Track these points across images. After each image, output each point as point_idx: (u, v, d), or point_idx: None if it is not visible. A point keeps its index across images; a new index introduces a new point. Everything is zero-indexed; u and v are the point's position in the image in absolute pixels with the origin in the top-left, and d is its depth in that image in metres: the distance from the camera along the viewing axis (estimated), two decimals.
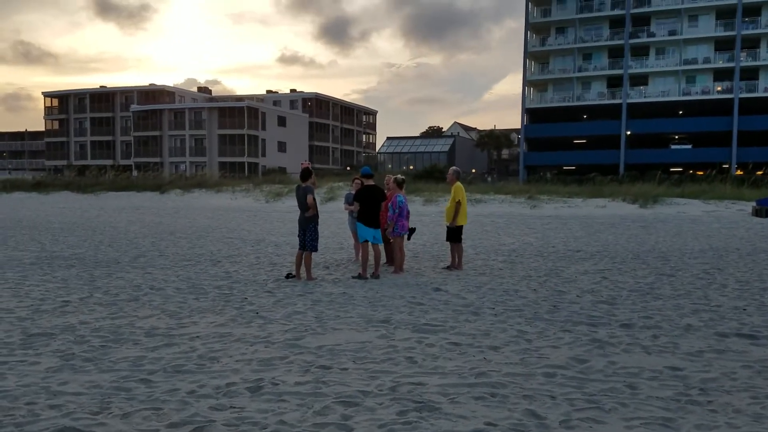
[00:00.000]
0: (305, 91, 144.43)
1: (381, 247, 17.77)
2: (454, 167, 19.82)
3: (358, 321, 12.08)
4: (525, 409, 7.56)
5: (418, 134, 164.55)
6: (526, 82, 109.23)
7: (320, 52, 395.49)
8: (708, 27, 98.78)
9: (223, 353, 9.89)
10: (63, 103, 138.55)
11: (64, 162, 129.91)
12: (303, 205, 16.69)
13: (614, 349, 10.19)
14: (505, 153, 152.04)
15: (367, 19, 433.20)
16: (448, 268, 18.89)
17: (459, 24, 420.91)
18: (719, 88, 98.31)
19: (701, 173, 72.71)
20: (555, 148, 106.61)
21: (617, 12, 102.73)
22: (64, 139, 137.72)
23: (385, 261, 19.02)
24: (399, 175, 18.84)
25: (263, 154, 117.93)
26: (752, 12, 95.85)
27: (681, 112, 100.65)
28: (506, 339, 10.78)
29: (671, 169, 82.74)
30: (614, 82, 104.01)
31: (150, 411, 7.51)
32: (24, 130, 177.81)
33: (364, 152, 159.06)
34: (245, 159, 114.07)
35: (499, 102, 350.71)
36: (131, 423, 7.18)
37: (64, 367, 9.19)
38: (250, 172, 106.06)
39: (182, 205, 54.02)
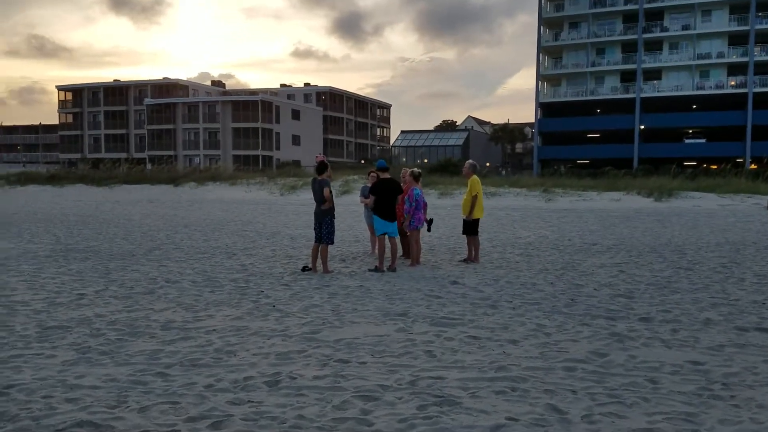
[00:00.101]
0: (319, 84, 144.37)
1: (397, 239, 17.70)
2: (470, 161, 19.78)
3: (376, 314, 12.00)
4: (546, 404, 7.47)
5: (432, 128, 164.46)
6: (540, 77, 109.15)
7: (334, 46, 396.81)
8: (721, 22, 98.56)
9: (240, 347, 9.82)
10: (77, 96, 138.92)
11: (78, 155, 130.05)
12: (320, 198, 16.63)
13: (634, 343, 10.09)
14: (518, 147, 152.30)
15: (380, 13, 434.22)
16: (464, 260, 18.83)
17: (472, 18, 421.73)
18: (733, 83, 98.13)
19: (715, 167, 72.50)
20: (569, 142, 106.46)
21: (630, 7, 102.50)
22: (78, 132, 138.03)
23: (401, 254, 18.96)
24: (416, 169, 18.80)
25: (277, 148, 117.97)
26: (766, 7, 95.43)
27: (695, 107, 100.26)
28: (525, 333, 10.70)
29: (685, 163, 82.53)
30: (628, 77, 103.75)
31: (167, 405, 7.44)
32: (38, 123, 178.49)
33: (378, 146, 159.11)
34: (259, 152, 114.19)
35: (512, 96, 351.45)
36: (149, 417, 7.11)
37: (80, 361, 9.13)
38: (265, 166, 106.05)
39: (196, 198, 54.04)
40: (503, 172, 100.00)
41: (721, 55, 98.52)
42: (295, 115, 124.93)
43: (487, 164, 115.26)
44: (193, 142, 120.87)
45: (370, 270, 17.15)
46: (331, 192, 16.76)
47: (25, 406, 7.39)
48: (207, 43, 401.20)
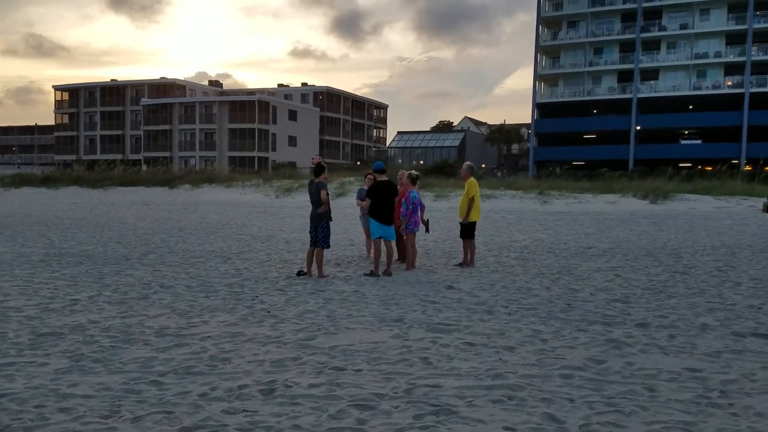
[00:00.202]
0: (317, 84, 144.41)
1: (393, 243, 17.65)
2: (467, 163, 19.72)
3: (371, 320, 11.95)
4: (544, 413, 7.43)
5: (428, 129, 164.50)
6: (537, 77, 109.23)
7: (332, 45, 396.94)
8: (720, 21, 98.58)
9: (234, 354, 9.76)
10: (73, 96, 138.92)
11: (74, 156, 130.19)
12: (315, 201, 16.56)
13: (631, 350, 10.06)
14: (515, 148, 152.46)
15: (379, 12, 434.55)
16: (460, 265, 18.79)
17: (471, 18, 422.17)
18: (730, 83, 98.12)
19: (710, 169, 72.60)
20: (565, 143, 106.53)
21: (629, 6, 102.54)
22: (73, 133, 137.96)
23: (396, 258, 18.90)
24: (413, 171, 18.70)
25: (273, 149, 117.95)
26: (764, 6, 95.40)
27: (691, 107, 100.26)
28: (521, 339, 10.65)
29: (680, 165, 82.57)
30: (625, 77, 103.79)
31: (161, 414, 7.37)
32: (34, 124, 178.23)
33: (374, 147, 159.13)
34: (255, 153, 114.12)
35: (509, 96, 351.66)
36: (142, 427, 7.05)
37: (73, 369, 9.06)
38: (260, 167, 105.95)
39: (192, 201, 53.98)
40: (499, 174, 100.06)
41: (718, 54, 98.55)
42: (292, 115, 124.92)
43: (483, 165, 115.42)
44: (189, 143, 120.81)
45: (365, 274, 17.08)
46: (327, 195, 16.70)
47: (17, 416, 7.32)
48: (205, 42, 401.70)
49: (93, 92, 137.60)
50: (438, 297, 14.20)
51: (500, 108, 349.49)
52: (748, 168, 79.26)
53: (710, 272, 17.87)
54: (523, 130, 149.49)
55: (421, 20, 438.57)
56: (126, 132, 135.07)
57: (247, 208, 45.82)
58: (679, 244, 24.55)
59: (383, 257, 17.40)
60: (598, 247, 23.63)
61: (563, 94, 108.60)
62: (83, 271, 17.78)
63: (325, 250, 17.03)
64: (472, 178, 18.75)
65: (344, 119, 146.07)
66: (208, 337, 10.72)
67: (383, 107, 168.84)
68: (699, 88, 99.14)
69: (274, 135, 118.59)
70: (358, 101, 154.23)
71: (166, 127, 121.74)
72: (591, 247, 23.62)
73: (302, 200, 47.07)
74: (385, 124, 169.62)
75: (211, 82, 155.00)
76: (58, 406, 7.64)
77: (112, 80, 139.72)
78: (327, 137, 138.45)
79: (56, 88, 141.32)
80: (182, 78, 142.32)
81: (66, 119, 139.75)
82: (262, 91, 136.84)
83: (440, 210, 40.61)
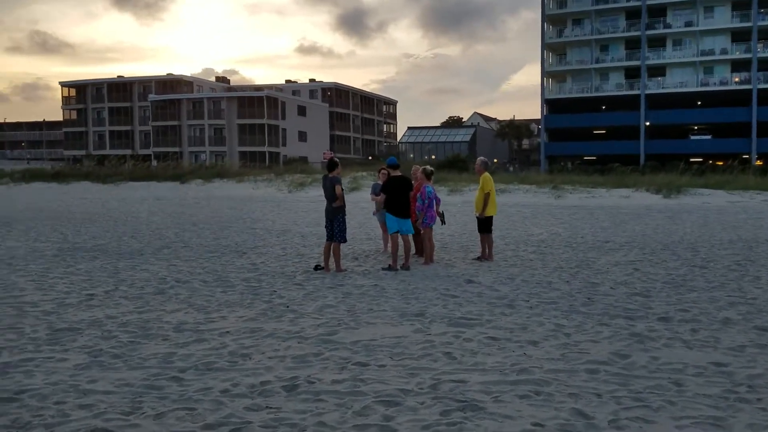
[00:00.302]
0: (324, 81, 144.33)
1: (410, 237, 17.56)
2: (481, 158, 19.68)
3: (392, 314, 11.87)
4: (571, 408, 7.33)
5: (437, 124, 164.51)
6: (545, 73, 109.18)
7: (338, 42, 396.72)
8: (724, 18, 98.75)
9: (255, 349, 9.67)
10: (80, 93, 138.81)
11: (83, 152, 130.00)
12: (331, 196, 16.48)
13: (655, 344, 9.97)
14: (525, 143, 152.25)
15: (385, 9, 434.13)
16: (478, 258, 18.72)
17: (476, 15, 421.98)
18: (737, 79, 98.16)
19: (721, 163, 72.36)
20: (575, 139, 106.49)
21: (633, 3, 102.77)
22: (82, 129, 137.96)
23: (414, 252, 18.79)
24: (428, 166, 18.61)
25: (284, 144, 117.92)
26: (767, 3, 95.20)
27: (699, 103, 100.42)
28: (544, 333, 10.56)
29: (691, 160, 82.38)
30: (632, 73, 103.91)
31: (184, 411, 7.29)
32: (42, 120, 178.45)
33: (385, 142, 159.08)
34: (266, 149, 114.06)
35: (517, 92, 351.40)
36: (165, 424, 6.96)
37: (92, 364, 8.99)
38: (271, 162, 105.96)
39: (203, 195, 53.92)
40: (511, 169, 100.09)
41: (724, 51, 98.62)
42: (301, 111, 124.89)
43: (495, 160, 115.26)
44: (198, 139, 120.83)
45: (383, 269, 17.01)
46: (342, 189, 16.62)
47: (38, 412, 7.25)
48: (211, 39, 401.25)
49: (100, 88, 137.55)
50: (458, 291, 14.12)
51: (508, 104, 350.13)
52: (759, 163, 79.11)
53: (729, 266, 17.72)
54: (533, 126, 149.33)
55: (426, 17, 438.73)
56: (135, 128, 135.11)
57: (260, 202, 45.77)
58: (695, 238, 24.40)
59: (401, 251, 17.30)
60: (615, 240, 23.51)
61: (571, 90, 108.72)
62: (98, 265, 17.75)
63: (342, 244, 16.94)
64: (487, 173, 18.66)
65: (354, 115, 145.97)
66: (227, 332, 10.65)
67: (392, 103, 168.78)
68: (706, 84, 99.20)
69: (284, 130, 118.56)
70: (366, 97, 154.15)
71: (175, 122, 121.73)
72: (608, 241, 23.50)
73: (315, 194, 46.89)
74: (395, 120, 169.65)
75: (218, 78, 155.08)
76: (78, 402, 7.56)
77: (118, 77, 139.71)
78: (337, 132, 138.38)
79: (63, 84, 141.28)
80: (189, 74, 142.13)
81: (74, 115, 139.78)
82: (270, 87, 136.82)
83: (455, 204, 40.48)
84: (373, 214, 21.59)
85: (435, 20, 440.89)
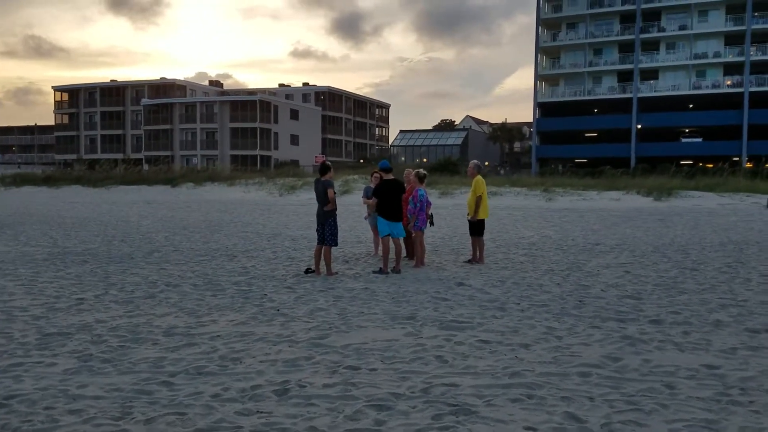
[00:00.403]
0: (318, 84, 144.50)
1: (401, 240, 17.55)
2: (474, 161, 19.67)
3: (383, 318, 11.84)
4: (564, 412, 7.31)
5: (430, 127, 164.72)
6: (538, 77, 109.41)
7: (333, 46, 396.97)
8: (718, 22, 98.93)
9: (245, 353, 9.63)
10: (73, 97, 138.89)
11: (74, 156, 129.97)
12: (323, 199, 16.45)
13: (647, 347, 9.97)
14: (516, 146, 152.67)
15: (379, 13, 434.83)
16: (469, 261, 18.74)
17: (471, 19, 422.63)
18: (729, 82, 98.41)
19: (711, 166, 72.55)
20: (566, 142, 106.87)
21: (628, 7, 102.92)
22: (74, 133, 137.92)
23: (405, 255, 18.77)
24: (421, 170, 18.59)
25: (276, 148, 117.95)
26: (762, 7, 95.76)
27: (691, 106, 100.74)
28: (536, 336, 10.55)
29: (682, 162, 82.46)
30: (625, 77, 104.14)
31: (174, 416, 7.24)
32: (34, 124, 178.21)
33: (377, 145, 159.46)
34: (257, 152, 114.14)
35: (509, 96, 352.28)
36: (155, 429, 6.92)
37: (82, 369, 8.94)
38: (263, 165, 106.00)
39: (194, 199, 53.87)
40: (502, 171, 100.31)
41: (717, 54, 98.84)
42: (294, 114, 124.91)
43: (486, 163, 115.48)
44: (190, 143, 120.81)
45: (374, 272, 17.00)
46: (335, 193, 16.60)
47: (27, 418, 7.20)
48: (205, 43, 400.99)
49: (93, 93, 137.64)
50: (449, 294, 14.11)
51: (501, 107, 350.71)
52: (749, 165, 79.32)
53: (719, 268, 17.78)
54: (525, 129, 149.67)
55: (421, 21, 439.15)
56: (127, 132, 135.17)
57: (251, 206, 45.66)
58: (686, 240, 24.45)
59: (392, 254, 17.29)
60: (606, 243, 23.53)
61: (564, 94, 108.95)
62: (88, 270, 17.68)
63: (333, 247, 16.91)
64: (479, 176, 18.65)
65: (346, 118, 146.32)
66: (218, 336, 10.61)
67: (385, 106, 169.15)
68: (699, 88, 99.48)
69: (276, 134, 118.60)
70: (359, 100, 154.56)
71: (167, 126, 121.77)
72: (598, 243, 23.52)
73: (306, 198, 47.05)
74: (387, 123, 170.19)
75: (211, 82, 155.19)
76: (68, 407, 7.52)
77: (111, 81, 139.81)
78: (329, 136, 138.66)
79: (56, 88, 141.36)
80: (182, 78, 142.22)
81: (66, 119, 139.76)
82: (263, 90, 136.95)
83: (446, 207, 40.56)
84: (365, 218, 21.59)
85: (430, 24, 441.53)
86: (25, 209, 42.32)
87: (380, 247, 18.24)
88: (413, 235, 18.12)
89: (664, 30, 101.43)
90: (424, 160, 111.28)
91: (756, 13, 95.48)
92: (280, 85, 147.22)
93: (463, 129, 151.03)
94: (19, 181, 69.52)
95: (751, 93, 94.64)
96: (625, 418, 7.13)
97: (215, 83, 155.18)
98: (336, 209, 16.74)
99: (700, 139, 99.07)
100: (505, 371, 8.72)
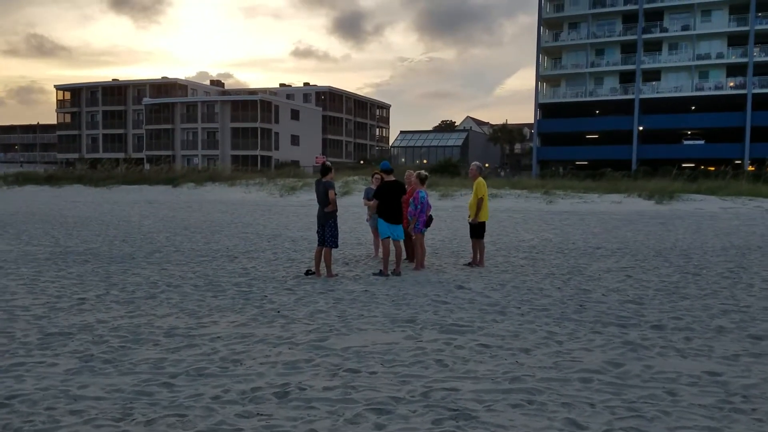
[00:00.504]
0: (318, 84, 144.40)
1: (402, 243, 17.51)
2: (476, 162, 19.60)
3: (383, 321, 11.83)
4: (565, 418, 7.29)
5: (430, 128, 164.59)
6: (539, 77, 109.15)
7: (334, 46, 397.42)
8: (721, 22, 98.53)
9: (246, 355, 9.63)
10: (75, 96, 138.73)
11: (76, 155, 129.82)
12: (324, 201, 16.42)
13: (648, 353, 9.93)
14: (517, 147, 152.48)
15: (381, 13, 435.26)
16: (469, 264, 18.67)
17: (472, 19, 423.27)
18: (732, 84, 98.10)
19: (713, 169, 72.49)
20: (567, 143, 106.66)
21: (630, 7, 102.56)
22: (76, 132, 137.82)
23: (405, 257, 18.75)
24: (422, 171, 18.53)
25: (276, 148, 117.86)
26: (766, 7, 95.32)
27: (693, 108, 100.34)
28: (536, 341, 10.52)
29: (683, 165, 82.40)
30: (627, 78, 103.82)
31: (174, 418, 7.25)
32: (36, 123, 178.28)
33: (377, 146, 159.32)
34: (258, 152, 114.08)
35: (510, 97, 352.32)
36: (156, 431, 6.93)
37: (83, 369, 8.94)
38: (263, 166, 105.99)
39: (195, 199, 53.80)
40: (502, 173, 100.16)
41: (720, 55, 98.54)
42: (294, 115, 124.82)
43: (486, 165, 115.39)
44: (191, 142, 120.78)
45: (374, 274, 16.98)
46: (336, 194, 16.57)
47: (28, 418, 7.21)
48: (206, 43, 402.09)
49: (95, 92, 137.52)
50: (449, 297, 14.08)
51: (502, 108, 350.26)
52: (751, 168, 79.22)
53: (722, 273, 17.73)
54: (526, 130, 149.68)
55: (422, 21, 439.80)
56: (128, 131, 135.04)
57: (252, 206, 45.61)
58: (687, 244, 24.40)
59: (392, 257, 17.27)
60: (607, 247, 23.49)
61: (565, 95, 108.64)
62: (89, 269, 17.68)
63: (333, 249, 16.89)
64: (481, 178, 18.61)
65: (347, 118, 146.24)
66: (218, 337, 10.61)
67: (386, 107, 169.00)
68: (701, 89, 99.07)
69: (276, 134, 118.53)
70: (360, 101, 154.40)
71: (169, 126, 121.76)
72: (599, 247, 23.48)
73: (307, 199, 46.98)
74: (388, 124, 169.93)
75: (212, 82, 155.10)
76: (69, 408, 7.52)
77: (113, 80, 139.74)
78: (330, 136, 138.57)
79: (58, 87, 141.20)
80: (183, 78, 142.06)
81: (68, 118, 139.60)
82: (264, 90, 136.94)
83: (446, 209, 40.47)
84: (367, 220, 21.57)
85: (431, 24, 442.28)
86: (27, 208, 42.32)
87: (380, 249, 18.22)
88: (413, 237, 18.09)
89: (666, 30, 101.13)
90: (425, 161, 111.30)
91: (759, 14, 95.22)
92: (281, 84, 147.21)
93: (464, 130, 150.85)
94: (22, 180, 69.47)
95: (754, 95, 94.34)
96: (626, 425, 7.12)
97: (216, 83, 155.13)
98: (336, 210, 16.72)
99: (702, 142, 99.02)
100: (506, 376, 8.71)
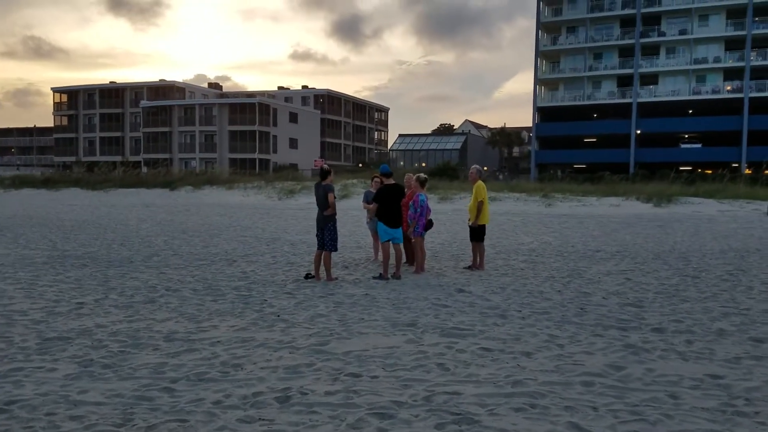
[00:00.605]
0: (317, 87, 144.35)
1: (402, 246, 17.47)
2: (476, 166, 19.55)
3: (384, 324, 11.79)
4: (568, 422, 7.25)
5: (429, 131, 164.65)
6: (538, 81, 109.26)
7: (332, 49, 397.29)
8: (718, 26, 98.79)
9: (246, 360, 9.58)
10: (72, 98, 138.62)
11: (73, 158, 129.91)
12: (323, 204, 16.38)
13: (650, 356, 9.91)
14: (515, 151, 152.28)
15: (380, 16, 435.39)
16: (469, 267, 18.65)
17: (471, 22, 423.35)
18: (729, 88, 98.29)
19: (710, 172, 72.55)
20: (566, 147, 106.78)
21: (628, 11, 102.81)
22: (73, 135, 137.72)
23: (405, 261, 18.71)
24: (422, 174, 18.50)
25: (274, 151, 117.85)
26: (763, 12, 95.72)
27: (691, 112, 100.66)
28: (538, 344, 10.50)
29: (681, 168, 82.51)
30: (624, 82, 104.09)
31: (176, 423, 7.20)
32: (33, 125, 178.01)
33: (376, 149, 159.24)
34: (256, 155, 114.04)
35: (509, 100, 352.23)
36: None
37: (82, 374, 8.90)
38: (261, 169, 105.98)
39: (193, 203, 53.82)
40: (501, 177, 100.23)
41: (717, 59, 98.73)
42: (293, 118, 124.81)
43: (485, 168, 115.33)
44: (189, 145, 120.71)
45: (374, 277, 16.93)
46: (335, 197, 16.54)
47: (28, 424, 7.17)
48: (204, 45, 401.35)
49: (92, 94, 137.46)
50: (450, 300, 14.05)
51: (500, 111, 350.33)
52: (748, 171, 79.32)
53: (721, 276, 17.74)
54: (524, 134, 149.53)
55: (421, 24, 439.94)
56: (125, 134, 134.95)
57: (250, 209, 45.59)
58: (686, 247, 24.41)
59: (392, 260, 17.23)
60: (606, 250, 23.48)
61: (564, 98, 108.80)
62: (87, 273, 17.63)
63: (332, 253, 16.85)
64: (480, 182, 18.57)
65: (345, 122, 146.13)
66: (219, 342, 10.56)
67: (384, 110, 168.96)
68: (698, 93, 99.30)
69: (275, 137, 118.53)
70: (358, 104, 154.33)
71: (166, 129, 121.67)
72: (599, 250, 23.47)
73: (305, 202, 46.99)
74: (386, 127, 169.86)
75: (210, 85, 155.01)
76: (69, 413, 7.48)
77: (111, 82, 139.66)
78: (328, 139, 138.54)
79: (55, 90, 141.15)
80: (181, 80, 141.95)
81: (65, 121, 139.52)
82: (262, 93, 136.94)
83: (445, 212, 40.52)
84: (366, 223, 21.54)
85: (430, 27, 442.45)
86: (24, 212, 42.27)
87: (380, 253, 18.18)
88: (413, 240, 18.06)
89: (664, 34, 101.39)
90: (423, 164, 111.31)
91: (756, 18, 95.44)
92: (279, 87, 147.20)
93: (462, 133, 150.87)
94: (18, 183, 69.57)
95: (751, 99, 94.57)
96: (629, 429, 7.09)
97: (214, 85, 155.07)
98: (336, 214, 16.68)
99: (699, 145, 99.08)
100: (508, 380, 8.68)
